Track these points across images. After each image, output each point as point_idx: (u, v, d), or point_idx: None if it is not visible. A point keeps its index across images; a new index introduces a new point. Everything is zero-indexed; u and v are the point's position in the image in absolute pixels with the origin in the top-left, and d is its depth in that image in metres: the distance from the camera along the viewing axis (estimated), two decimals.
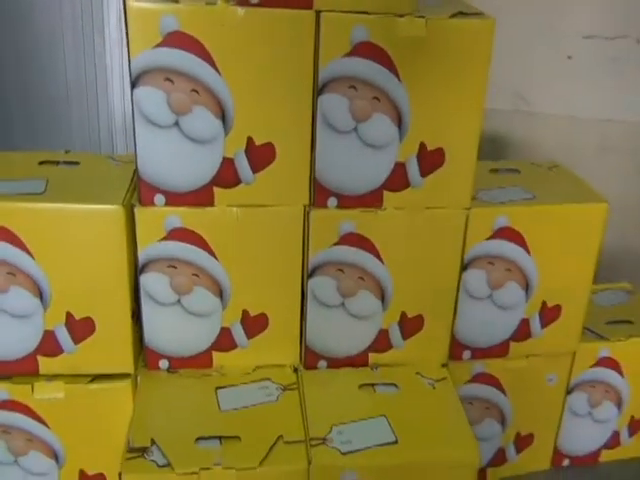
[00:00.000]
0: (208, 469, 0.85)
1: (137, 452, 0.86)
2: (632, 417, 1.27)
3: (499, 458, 1.21)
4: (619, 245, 1.69)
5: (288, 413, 0.95)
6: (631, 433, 1.28)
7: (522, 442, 1.21)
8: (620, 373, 1.22)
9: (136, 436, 0.88)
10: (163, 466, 0.85)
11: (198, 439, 0.89)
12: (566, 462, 1.27)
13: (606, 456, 1.29)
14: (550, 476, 1.27)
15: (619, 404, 1.25)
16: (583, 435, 1.26)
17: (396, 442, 0.92)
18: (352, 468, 0.88)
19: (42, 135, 1.63)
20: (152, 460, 0.86)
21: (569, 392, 1.21)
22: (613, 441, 1.28)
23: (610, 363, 1.20)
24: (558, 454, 1.26)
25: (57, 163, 1.02)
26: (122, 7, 0.83)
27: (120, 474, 0.84)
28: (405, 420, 0.96)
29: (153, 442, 0.87)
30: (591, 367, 1.20)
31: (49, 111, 1.64)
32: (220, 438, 0.90)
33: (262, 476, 0.87)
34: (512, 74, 1.58)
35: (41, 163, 1.02)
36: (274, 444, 0.89)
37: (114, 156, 1.07)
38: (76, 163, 1.03)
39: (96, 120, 1.57)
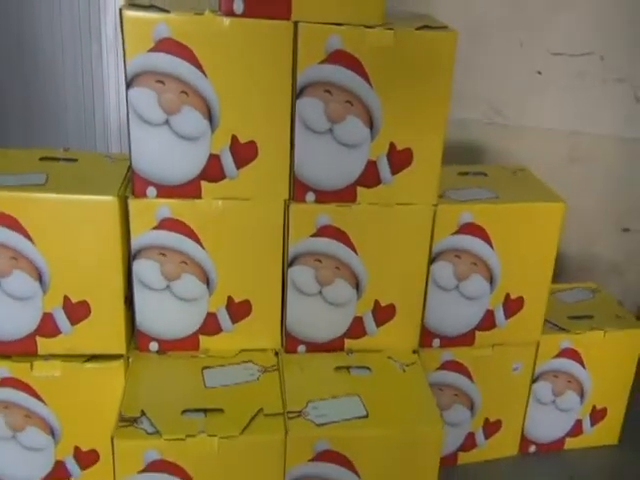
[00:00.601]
0: (193, 436, 0.92)
1: (128, 421, 0.94)
2: (594, 407, 1.34)
3: (469, 443, 1.28)
4: (587, 251, 1.78)
5: (268, 391, 1.03)
6: (593, 422, 1.36)
7: (490, 428, 1.28)
8: (582, 364, 1.30)
9: (127, 407, 0.96)
10: (152, 433, 0.92)
11: (184, 411, 0.97)
12: (532, 448, 1.34)
13: (570, 444, 1.36)
14: (517, 462, 1.33)
15: (581, 394, 1.32)
16: (548, 423, 1.33)
17: (367, 416, 1.00)
18: (325, 438, 0.96)
19: (39, 136, 1.71)
20: (142, 428, 0.93)
21: (534, 381, 1.28)
22: (576, 429, 1.35)
23: (572, 354, 1.28)
24: (525, 441, 1.33)
25: (57, 160, 1.11)
26: (119, 16, 0.93)
27: (112, 439, 0.91)
28: (376, 398, 1.03)
29: (143, 413, 0.95)
30: (554, 358, 1.28)
31: (47, 114, 1.73)
32: (205, 411, 0.97)
33: (242, 444, 0.94)
34: (487, 88, 1.67)
35: (42, 159, 1.10)
36: (254, 416, 0.97)
37: (109, 154, 1.16)
38: (74, 160, 1.12)
39: (92, 123, 1.65)
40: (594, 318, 1.32)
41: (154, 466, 0.92)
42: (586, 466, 1.33)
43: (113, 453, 0.92)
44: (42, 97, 1.72)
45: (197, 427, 0.93)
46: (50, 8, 1.72)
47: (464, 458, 1.29)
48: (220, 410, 0.97)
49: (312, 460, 0.97)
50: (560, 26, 1.59)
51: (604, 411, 1.35)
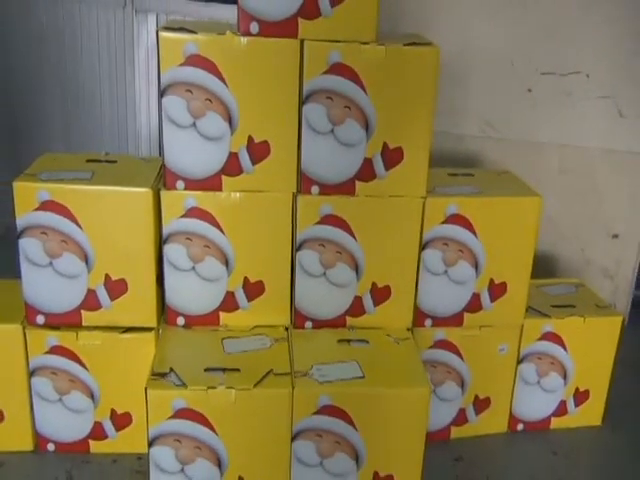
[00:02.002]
0: (214, 388, 1.08)
1: (159, 376, 1.10)
2: (577, 389, 1.47)
3: (460, 418, 1.42)
4: (579, 256, 1.91)
5: (278, 356, 1.19)
6: (577, 403, 1.48)
7: (480, 405, 1.42)
8: (564, 348, 1.43)
9: (158, 365, 1.13)
10: (179, 385, 1.09)
11: (207, 369, 1.13)
12: (520, 427, 1.47)
13: (556, 423, 1.49)
14: (506, 438, 1.46)
15: (565, 376, 1.45)
16: (534, 402, 1.46)
17: (363, 377, 1.15)
18: (327, 393, 1.11)
19: (79, 148, 1.92)
20: (170, 381, 1.10)
21: (519, 362, 1.42)
22: (561, 410, 1.48)
23: (554, 338, 1.42)
24: (513, 419, 1.46)
25: (100, 161, 1.29)
26: (155, 36, 1.12)
27: (146, 389, 1.08)
28: (373, 364, 1.19)
29: (171, 369, 1.12)
30: (537, 340, 1.41)
31: (85, 129, 1.94)
32: (224, 370, 1.13)
33: (255, 396, 1.10)
34: (481, 105, 1.84)
35: (88, 161, 1.29)
36: (266, 375, 1.13)
37: (144, 157, 1.35)
38: (114, 161, 1.30)
39: (125, 135, 1.85)
40: (575, 307, 1.45)
41: (181, 413, 1.08)
42: (570, 444, 1.44)
43: (147, 403, 1.08)
44: (82, 114, 1.94)
45: (217, 381, 1.09)
46: (90, 38, 1.94)
47: (456, 432, 1.42)
48: (237, 370, 1.13)
49: (316, 413, 1.12)
50: (549, 47, 1.75)
51: (587, 393, 1.47)
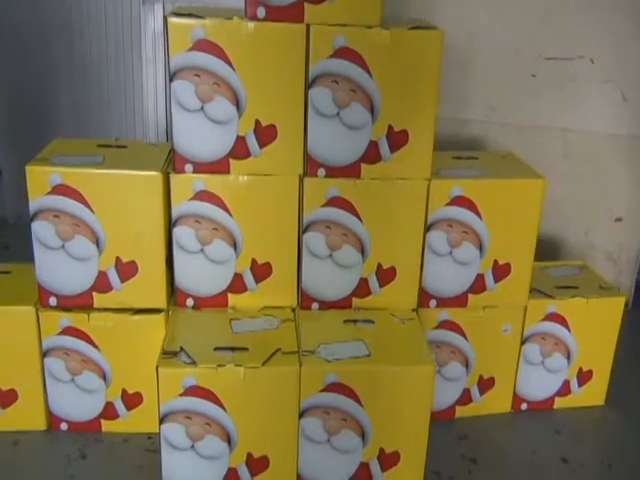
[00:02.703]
0: (223, 366, 1.11)
1: (169, 355, 1.13)
2: (580, 369, 1.49)
3: (465, 398, 1.44)
4: (583, 240, 1.93)
5: (286, 336, 1.21)
6: (580, 383, 1.50)
7: (484, 385, 1.44)
8: (567, 328, 1.45)
9: (168, 345, 1.15)
10: (189, 363, 1.11)
11: (216, 348, 1.15)
12: (524, 406, 1.49)
13: (559, 403, 1.51)
14: (510, 417, 1.48)
15: (568, 356, 1.47)
16: (538, 382, 1.48)
17: (369, 355, 1.17)
18: (334, 371, 1.14)
19: (86, 134, 1.95)
20: (181, 360, 1.12)
21: (523, 342, 1.44)
22: (565, 389, 1.50)
23: (557, 318, 1.44)
24: (517, 398, 1.48)
25: (110, 146, 1.32)
26: (163, 22, 1.14)
27: (157, 368, 1.10)
28: (378, 343, 1.21)
29: (182, 349, 1.14)
30: (541, 321, 1.43)
31: (93, 116, 1.97)
32: (233, 349, 1.16)
33: (264, 374, 1.12)
34: (486, 90, 1.85)
35: (98, 146, 1.31)
36: (274, 353, 1.15)
37: (153, 143, 1.37)
38: (124, 147, 1.33)
39: (132, 122, 1.87)
40: (579, 288, 1.47)
41: (191, 391, 1.11)
42: (573, 423, 1.46)
43: (158, 381, 1.10)
44: (90, 102, 1.97)
45: (226, 360, 1.12)
46: (97, 26, 1.96)
47: (461, 412, 1.45)
48: (245, 349, 1.16)
49: (323, 391, 1.14)
50: (553, 32, 1.76)
51: (590, 373, 1.49)
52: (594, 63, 1.77)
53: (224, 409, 1.12)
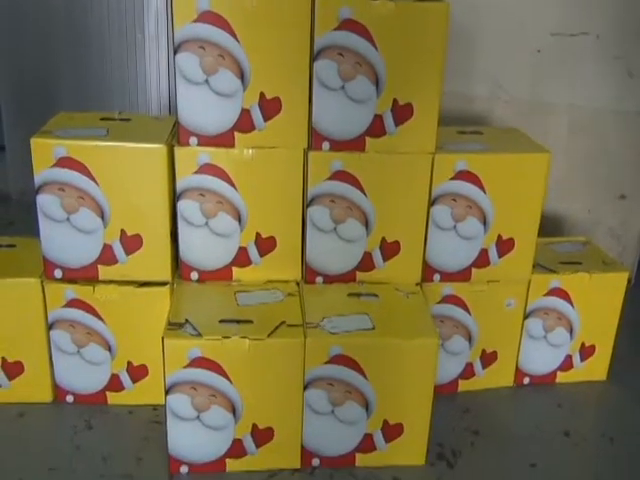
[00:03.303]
0: (228, 338, 1.12)
1: (175, 326, 1.14)
2: (583, 344, 1.50)
3: (468, 372, 1.45)
4: (587, 217, 1.93)
5: (291, 309, 1.22)
6: (583, 358, 1.51)
7: (487, 359, 1.45)
8: (570, 303, 1.46)
9: (174, 317, 1.16)
10: (194, 335, 1.12)
11: (221, 321, 1.16)
12: (527, 380, 1.50)
13: (562, 377, 1.52)
14: (513, 391, 1.49)
15: (571, 331, 1.48)
16: (540, 357, 1.49)
17: (374, 328, 1.18)
18: (338, 344, 1.15)
19: (88, 109, 1.95)
20: (186, 331, 1.13)
21: (526, 317, 1.44)
22: (567, 364, 1.51)
23: (560, 293, 1.44)
24: (520, 373, 1.49)
25: (114, 119, 1.32)
26: (163, 3, 1.13)
27: (163, 339, 1.11)
28: (382, 317, 1.21)
29: (187, 320, 1.15)
30: (544, 296, 1.44)
31: (95, 91, 1.97)
32: (238, 321, 1.16)
33: (268, 346, 1.13)
34: (491, 66, 1.84)
35: (102, 119, 1.31)
36: (278, 326, 1.16)
37: (157, 116, 1.37)
38: (128, 119, 1.32)
39: (135, 98, 1.87)
40: (582, 264, 1.47)
41: (196, 362, 1.12)
42: (575, 397, 1.47)
43: (163, 352, 1.11)
44: (92, 77, 1.97)
45: (232, 331, 1.13)
46: (100, 4, 1.95)
47: (464, 386, 1.46)
48: (250, 321, 1.16)
49: (327, 363, 1.15)
50: (558, 8, 1.75)
51: (593, 348, 1.50)
52: (599, 38, 1.76)
53: (229, 380, 1.13)
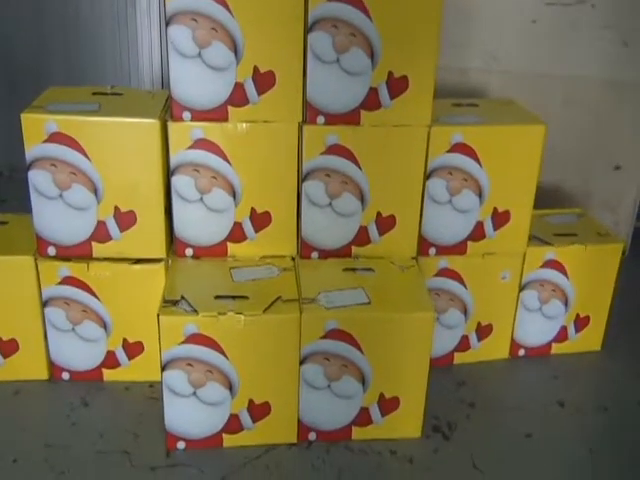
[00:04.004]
0: (224, 314, 1.12)
1: (170, 303, 1.13)
2: (578, 315, 1.51)
3: (463, 344, 1.46)
4: (582, 188, 1.92)
5: (286, 284, 1.21)
6: (577, 329, 1.52)
7: (483, 331, 1.46)
8: (565, 275, 1.46)
9: (169, 293, 1.16)
10: (190, 312, 1.12)
11: (216, 297, 1.16)
12: (522, 352, 1.51)
13: (557, 349, 1.53)
14: (508, 363, 1.50)
15: (566, 302, 1.49)
16: (535, 329, 1.50)
17: (369, 303, 1.18)
18: (334, 318, 1.15)
19: (81, 83, 1.93)
20: (182, 308, 1.13)
21: (521, 289, 1.45)
22: (562, 335, 1.51)
23: (556, 265, 1.44)
24: (515, 345, 1.50)
25: (106, 94, 1.30)
26: None
27: (158, 316, 1.11)
28: (378, 291, 1.21)
29: (182, 297, 1.14)
30: (539, 268, 1.44)
31: (86, 67, 1.94)
32: (233, 297, 1.16)
33: (264, 321, 1.13)
34: (485, 37, 1.82)
35: (94, 94, 1.29)
36: (274, 301, 1.15)
37: (150, 90, 1.35)
38: (120, 94, 1.30)
39: (127, 72, 1.84)
40: (577, 236, 1.47)
41: (192, 339, 1.12)
42: (570, 368, 1.49)
43: (159, 329, 1.11)
44: (83, 52, 1.94)
45: (227, 307, 1.12)
46: None
47: (459, 358, 1.46)
48: (246, 297, 1.16)
49: (323, 337, 1.15)
50: None
51: (587, 319, 1.51)
52: (594, 8, 1.74)
53: (225, 356, 1.13)
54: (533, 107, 1.48)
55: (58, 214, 1.21)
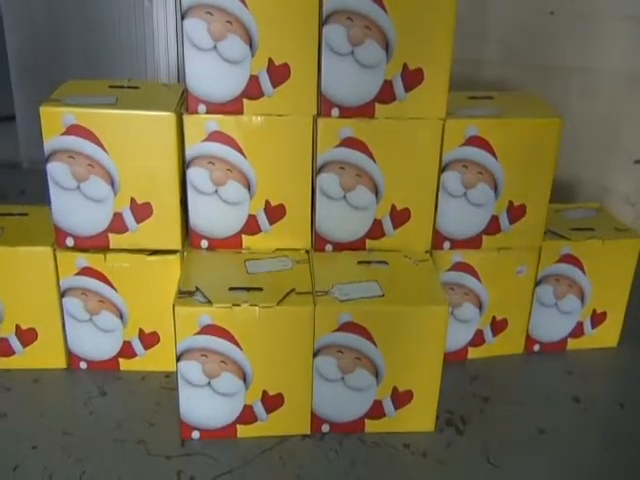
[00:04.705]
0: (238, 305, 1.12)
1: (185, 294, 1.14)
2: (594, 311, 1.50)
3: (478, 339, 1.45)
4: (600, 183, 1.91)
5: (300, 276, 1.22)
6: (594, 325, 1.51)
7: (497, 326, 1.45)
8: (582, 270, 1.45)
9: (184, 285, 1.17)
10: (205, 303, 1.13)
11: (231, 288, 1.17)
12: (537, 347, 1.50)
13: (572, 344, 1.52)
14: (523, 359, 1.50)
15: (582, 298, 1.48)
16: (551, 324, 1.49)
17: (383, 296, 1.18)
18: (348, 311, 1.15)
19: (98, 76, 1.95)
20: (197, 299, 1.14)
21: (537, 284, 1.44)
22: (578, 331, 1.50)
23: (572, 260, 1.43)
24: (530, 340, 1.49)
25: (123, 87, 1.31)
26: None
27: (173, 307, 1.12)
28: (392, 284, 1.21)
29: (197, 288, 1.15)
30: (555, 263, 1.43)
31: (103, 59, 1.96)
32: (248, 289, 1.17)
33: (278, 313, 1.14)
34: (501, 29, 1.82)
35: (111, 87, 1.30)
36: (288, 293, 1.16)
37: (166, 84, 1.36)
38: (137, 87, 1.32)
39: (144, 65, 1.86)
40: (594, 230, 1.46)
41: (207, 330, 1.13)
42: (586, 364, 1.47)
43: (174, 319, 1.12)
44: (101, 46, 1.96)
45: (242, 299, 1.13)
46: None
47: (474, 353, 1.46)
48: (260, 289, 1.17)
49: (337, 330, 1.16)
50: None
51: (604, 315, 1.50)
52: None
53: (239, 347, 1.14)
54: (550, 100, 1.47)
55: (76, 206, 1.23)
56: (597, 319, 1.50)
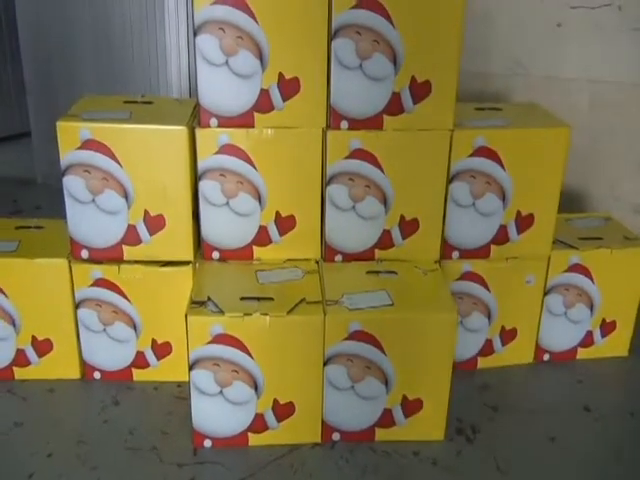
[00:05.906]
0: (249, 315, 1.14)
1: (197, 304, 1.16)
2: (604, 320, 1.50)
3: (487, 349, 1.46)
4: (610, 193, 1.91)
5: (310, 286, 1.24)
6: (603, 334, 1.51)
7: (507, 335, 1.46)
8: (591, 279, 1.45)
9: (196, 295, 1.19)
10: (217, 312, 1.15)
11: (242, 298, 1.18)
12: (546, 357, 1.51)
13: (582, 354, 1.52)
14: (532, 368, 1.50)
15: (591, 307, 1.48)
16: (560, 333, 1.49)
17: (392, 305, 1.20)
18: (357, 320, 1.16)
19: (110, 92, 1.98)
20: (209, 309, 1.15)
21: (546, 293, 1.45)
22: (587, 340, 1.51)
23: (581, 269, 1.44)
24: (539, 349, 1.50)
25: (136, 102, 1.34)
26: None
27: (186, 316, 1.14)
28: (401, 293, 1.23)
29: (209, 298, 1.17)
30: (564, 272, 1.44)
31: (116, 72, 1.99)
32: (258, 298, 1.19)
33: (289, 322, 1.15)
34: (509, 41, 1.83)
35: (125, 102, 1.33)
36: (298, 303, 1.18)
37: (178, 98, 1.39)
38: (151, 102, 1.34)
39: (156, 78, 1.89)
40: (603, 239, 1.47)
41: (219, 339, 1.15)
42: (595, 373, 1.48)
43: (187, 329, 1.14)
44: (113, 61, 1.99)
45: (253, 309, 1.15)
46: None
47: (483, 363, 1.47)
48: (271, 298, 1.18)
49: (347, 339, 1.17)
50: None
51: (613, 324, 1.50)
52: (621, 10, 1.74)
53: (251, 356, 1.15)
54: (558, 111, 1.48)
55: (91, 218, 1.25)
56: (607, 328, 1.50)
